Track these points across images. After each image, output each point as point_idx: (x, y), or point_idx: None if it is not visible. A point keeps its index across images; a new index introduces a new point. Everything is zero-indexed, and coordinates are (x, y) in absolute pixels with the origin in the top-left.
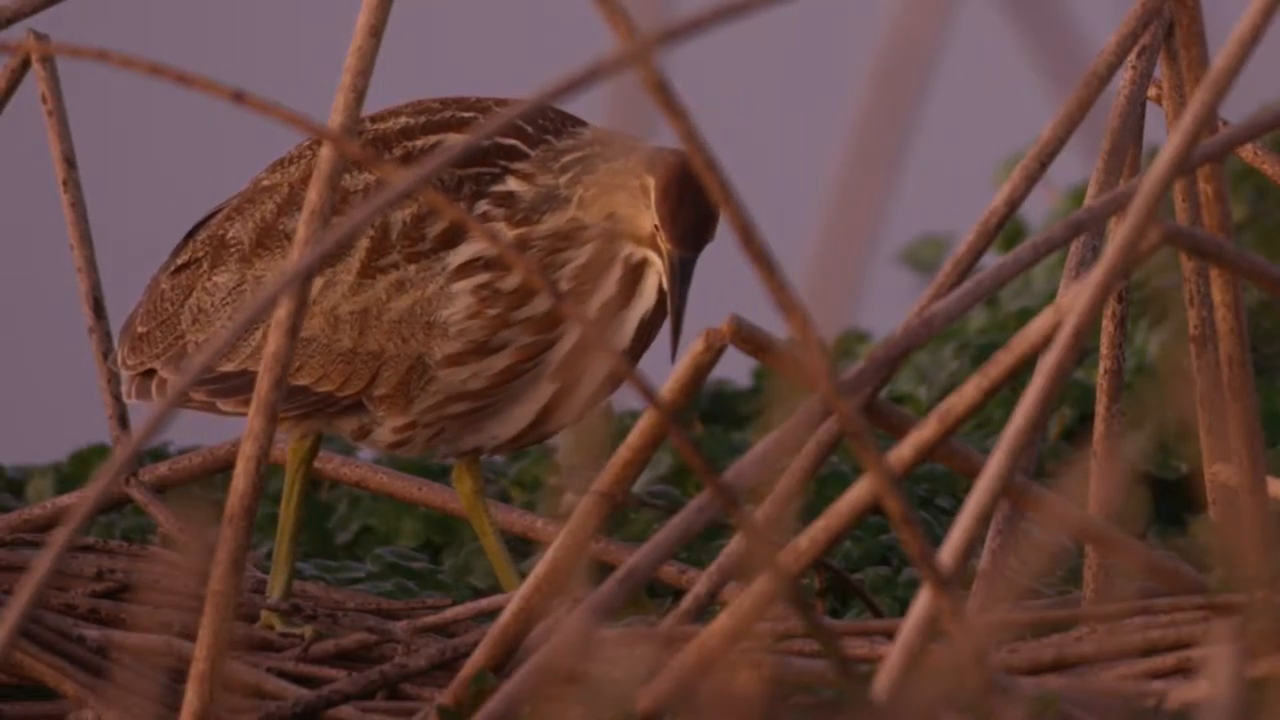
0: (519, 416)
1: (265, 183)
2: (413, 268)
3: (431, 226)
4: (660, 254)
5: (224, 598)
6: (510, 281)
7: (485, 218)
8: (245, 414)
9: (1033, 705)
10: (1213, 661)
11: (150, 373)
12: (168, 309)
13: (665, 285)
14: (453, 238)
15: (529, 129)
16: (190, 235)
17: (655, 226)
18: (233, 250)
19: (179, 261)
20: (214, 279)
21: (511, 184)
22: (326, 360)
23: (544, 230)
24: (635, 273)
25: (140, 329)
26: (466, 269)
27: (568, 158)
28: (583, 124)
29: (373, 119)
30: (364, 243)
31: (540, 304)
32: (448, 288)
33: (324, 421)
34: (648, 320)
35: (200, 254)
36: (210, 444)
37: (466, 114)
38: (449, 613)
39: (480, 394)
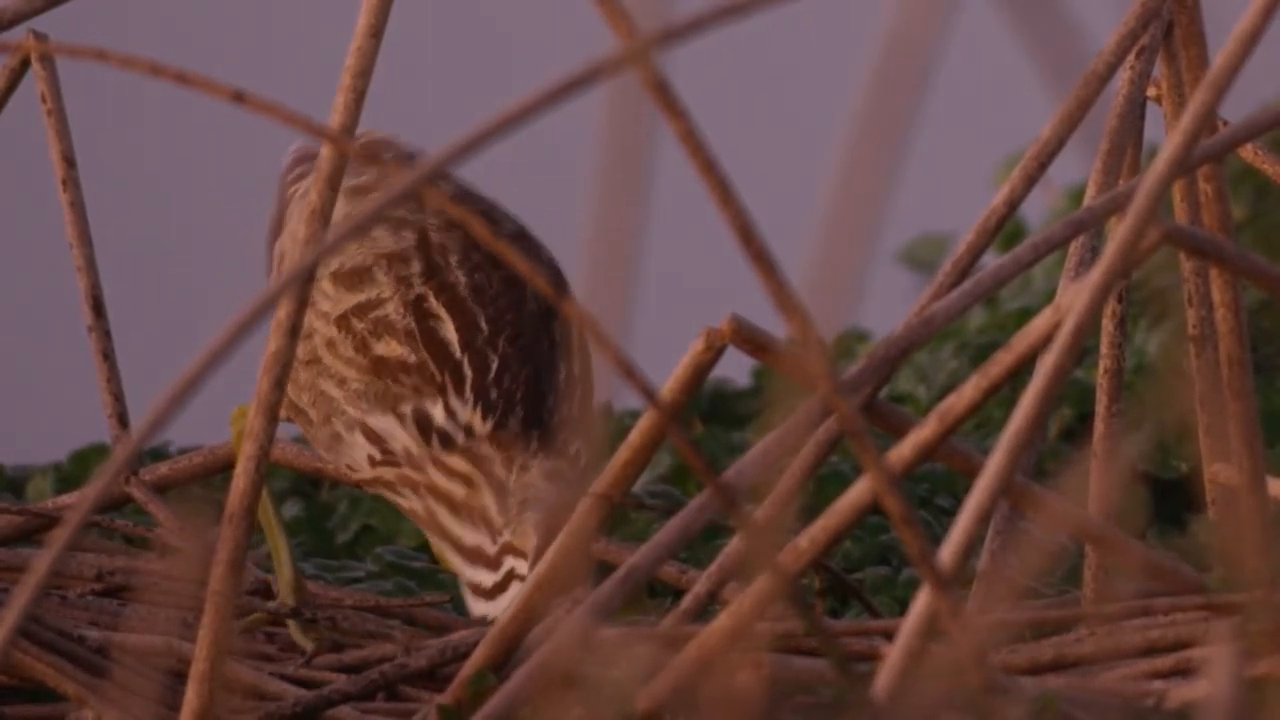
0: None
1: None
2: (352, 372)
3: (375, 347)
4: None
5: (224, 598)
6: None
7: (400, 419)
8: None
9: (1033, 705)
10: (1213, 661)
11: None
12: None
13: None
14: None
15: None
16: None
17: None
18: None
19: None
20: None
21: (437, 411)
22: None
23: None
24: (503, 584)
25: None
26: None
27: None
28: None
29: None
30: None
31: (443, 483)
32: (353, 434)
33: None
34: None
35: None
36: (210, 444)
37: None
38: (455, 637)
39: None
